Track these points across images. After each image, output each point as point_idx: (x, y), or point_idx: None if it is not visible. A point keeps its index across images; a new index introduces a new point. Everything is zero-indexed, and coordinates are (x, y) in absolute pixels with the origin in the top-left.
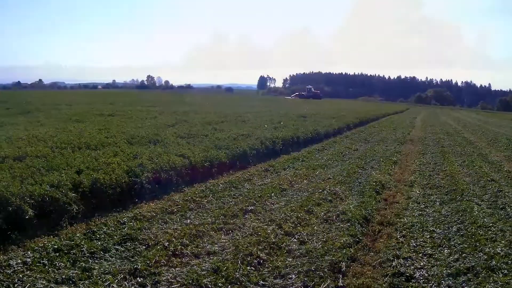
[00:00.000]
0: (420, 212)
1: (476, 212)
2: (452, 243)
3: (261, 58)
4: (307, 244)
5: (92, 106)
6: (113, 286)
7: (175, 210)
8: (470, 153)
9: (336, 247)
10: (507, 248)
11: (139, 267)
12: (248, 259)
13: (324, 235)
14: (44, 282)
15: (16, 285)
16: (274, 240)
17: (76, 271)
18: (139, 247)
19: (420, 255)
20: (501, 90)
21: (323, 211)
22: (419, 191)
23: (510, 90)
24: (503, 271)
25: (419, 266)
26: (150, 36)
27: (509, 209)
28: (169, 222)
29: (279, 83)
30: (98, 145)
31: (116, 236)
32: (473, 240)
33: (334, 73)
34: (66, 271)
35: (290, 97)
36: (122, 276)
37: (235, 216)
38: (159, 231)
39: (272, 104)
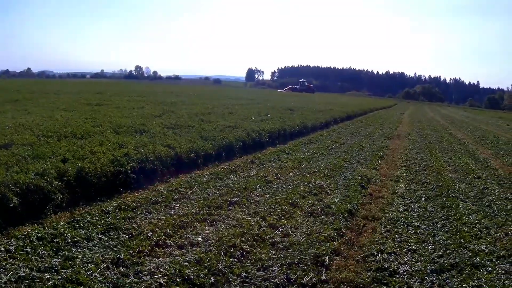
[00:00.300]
0: (405, 208)
1: (462, 209)
2: (437, 239)
3: (249, 50)
4: (291, 237)
5: (80, 95)
6: (95, 275)
7: (160, 200)
8: (457, 150)
9: (320, 241)
10: (492, 245)
11: (122, 256)
12: (231, 250)
13: (308, 228)
14: (26, 270)
15: None
16: (257, 232)
17: (59, 260)
18: (122, 236)
19: (404, 250)
20: (489, 88)
21: (308, 204)
22: (404, 186)
23: (498, 88)
24: (487, 268)
25: (403, 262)
26: (139, 26)
27: (494, 207)
28: (153, 212)
29: (267, 76)
30: (84, 134)
31: (100, 225)
32: (457, 236)
33: (323, 66)
34: (49, 260)
35: (283, 91)
36: (104, 265)
37: (220, 208)
38: (143, 221)
39: (260, 96)
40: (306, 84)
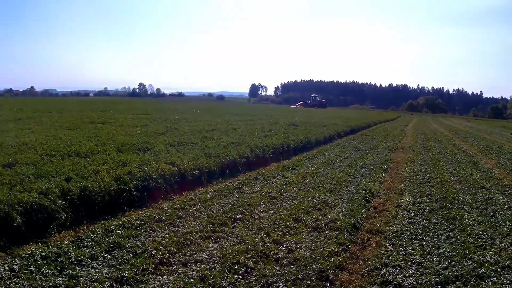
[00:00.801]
0: (410, 220)
1: (466, 220)
2: (442, 251)
3: (252, 66)
4: (295, 252)
5: (83, 113)
6: None
7: (164, 218)
8: (461, 161)
9: (324, 255)
10: (497, 255)
11: (126, 275)
12: (236, 267)
13: (313, 243)
14: None
15: None
16: (262, 248)
17: (63, 279)
18: (126, 255)
19: (409, 263)
20: (492, 98)
21: (312, 219)
22: (409, 199)
23: (501, 97)
24: (492, 279)
25: (407, 275)
26: (142, 43)
27: (499, 217)
28: (157, 230)
29: (270, 91)
30: (87, 152)
31: (104, 243)
32: (462, 248)
33: (326, 80)
34: (53, 279)
35: (294, 106)
36: (109, 283)
37: (224, 224)
38: (147, 239)
39: (263, 112)
40: (318, 99)
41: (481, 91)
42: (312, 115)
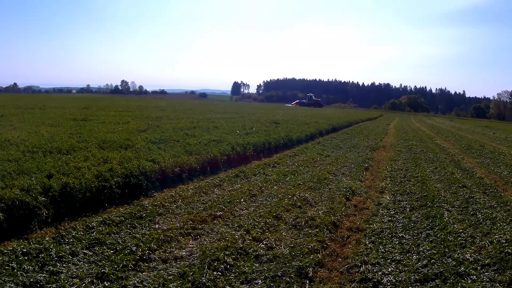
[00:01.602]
0: (390, 218)
1: (446, 218)
2: (421, 249)
3: (235, 63)
4: (275, 250)
5: (66, 110)
6: None
7: (144, 215)
8: (443, 160)
9: (303, 253)
10: (477, 254)
11: (106, 271)
12: (215, 264)
13: (292, 240)
14: (12, 285)
15: None
16: (241, 245)
17: (44, 275)
18: (107, 251)
19: (389, 261)
20: (475, 97)
21: (292, 217)
22: (389, 197)
23: (484, 97)
24: (471, 276)
25: (387, 272)
26: (124, 40)
27: (479, 215)
28: (138, 227)
29: (253, 89)
30: (69, 149)
31: (85, 240)
32: (442, 246)
33: (308, 79)
34: (34, 275)
35: (290, 105)
36: (89, 280)
37: (204, 222)
38: (127, 236)
39: (245, 110)
40: (314, 98)
41: (463, 90)
42: (294, 113)
